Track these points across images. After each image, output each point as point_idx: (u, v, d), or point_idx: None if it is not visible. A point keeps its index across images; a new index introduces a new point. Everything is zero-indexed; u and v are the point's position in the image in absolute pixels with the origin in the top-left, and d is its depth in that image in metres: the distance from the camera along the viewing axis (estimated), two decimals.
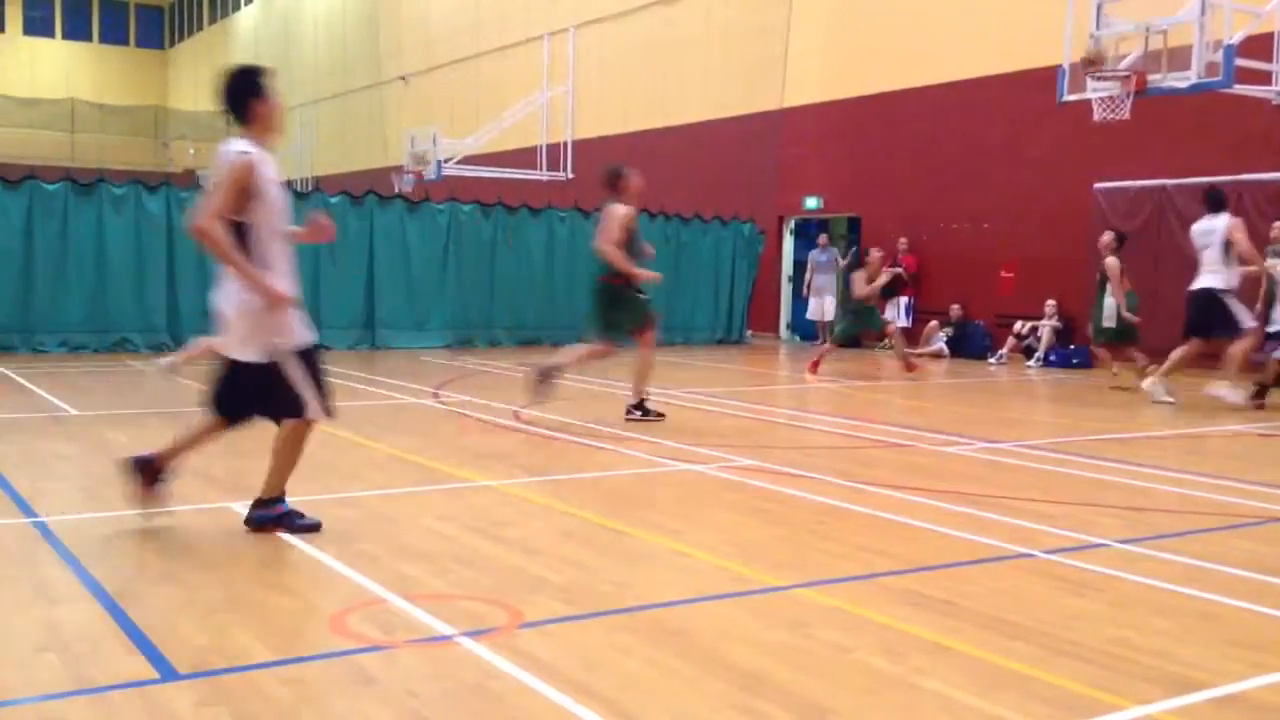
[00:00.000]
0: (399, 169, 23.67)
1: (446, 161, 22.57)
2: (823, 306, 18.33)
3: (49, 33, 45.54)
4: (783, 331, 20.68)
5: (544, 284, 17.58)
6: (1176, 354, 10.70)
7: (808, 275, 18.70)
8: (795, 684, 3.35)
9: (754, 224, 19.59)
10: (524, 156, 24.77)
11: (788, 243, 20.65)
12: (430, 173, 22.44)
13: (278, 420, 5.09)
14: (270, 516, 5.08)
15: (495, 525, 5.35)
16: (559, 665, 3.44)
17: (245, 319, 4.87)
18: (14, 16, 44.91)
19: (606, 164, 9.67)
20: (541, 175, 23.86)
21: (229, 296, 4.92)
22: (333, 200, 16.31)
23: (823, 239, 18.83)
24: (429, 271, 16.72)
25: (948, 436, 8.55)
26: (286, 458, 5.11)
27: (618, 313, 8.79)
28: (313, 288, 15.87)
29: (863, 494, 6.25)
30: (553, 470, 6.92)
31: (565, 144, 24.23)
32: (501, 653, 3.54)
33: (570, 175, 23.67)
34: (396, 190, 20.50)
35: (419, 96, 30.31)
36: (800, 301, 19.67)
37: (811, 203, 19.79)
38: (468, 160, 23.19)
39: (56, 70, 44.43)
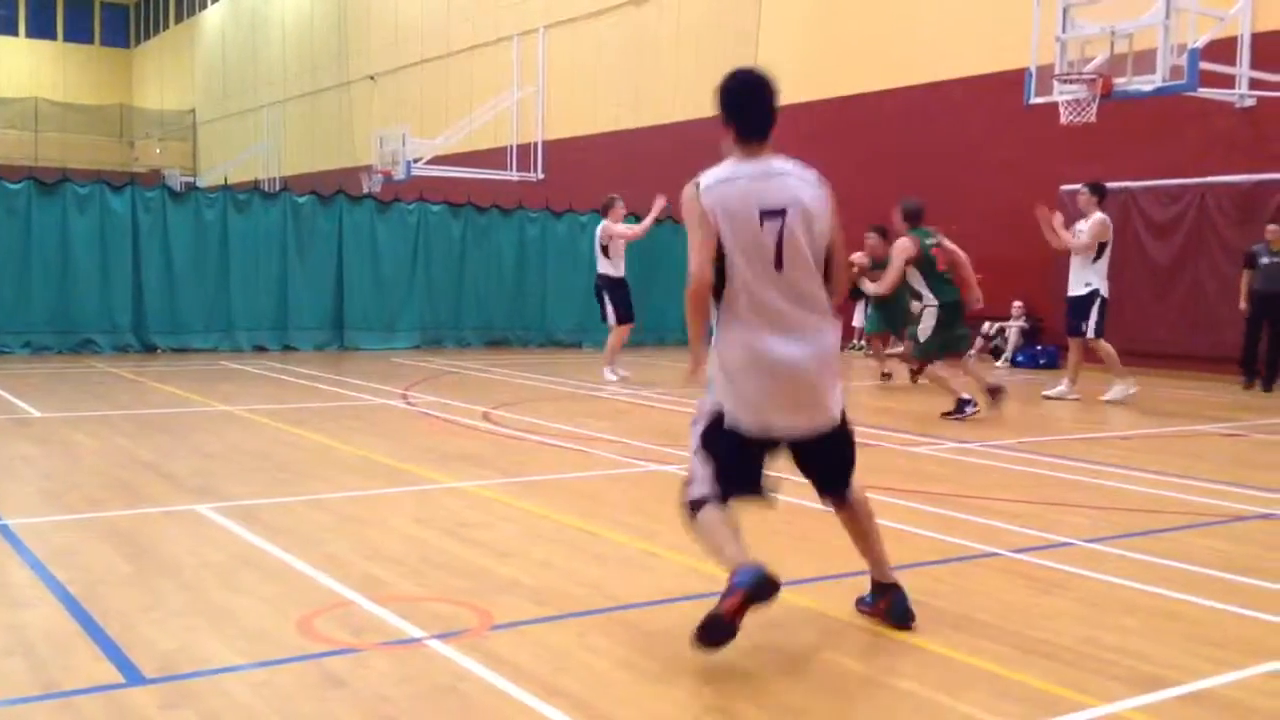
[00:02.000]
0: (368, 169, 23.54)
1: (416, 162, 22.46)
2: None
3: (13, 31, 44.96)
4: None
5: (514, 284, 17.53)
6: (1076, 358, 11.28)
7: None
8: (767, 684, 3.35)
9: None
10: (495, 157, 24.70)
11: None
12: (399, 173, 22.32)
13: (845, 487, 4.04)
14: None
15: (466, 527, 5.32)
16: (530, 667, 3.43)
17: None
18: None
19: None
20: (512, 175, 23.80)
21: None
22: (301, 200, 16.20)
23: None
24: (398, 272, 16.63)
25: (915, 436, 8.59)
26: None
27: None
28: (280, 288, 15.79)
29: None
30: (524, 472, 6.90)
31: (536, 144, 24.18)
32: (472, 655, 3.52)
33: (541, 175, 23.62)
34: (365, 190, 20.38)
35: (388, 96, 30.16)
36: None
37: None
38: (437, 160, 23.09)
39: (20, 68, 43.86)
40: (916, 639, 3.77)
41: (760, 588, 3.41)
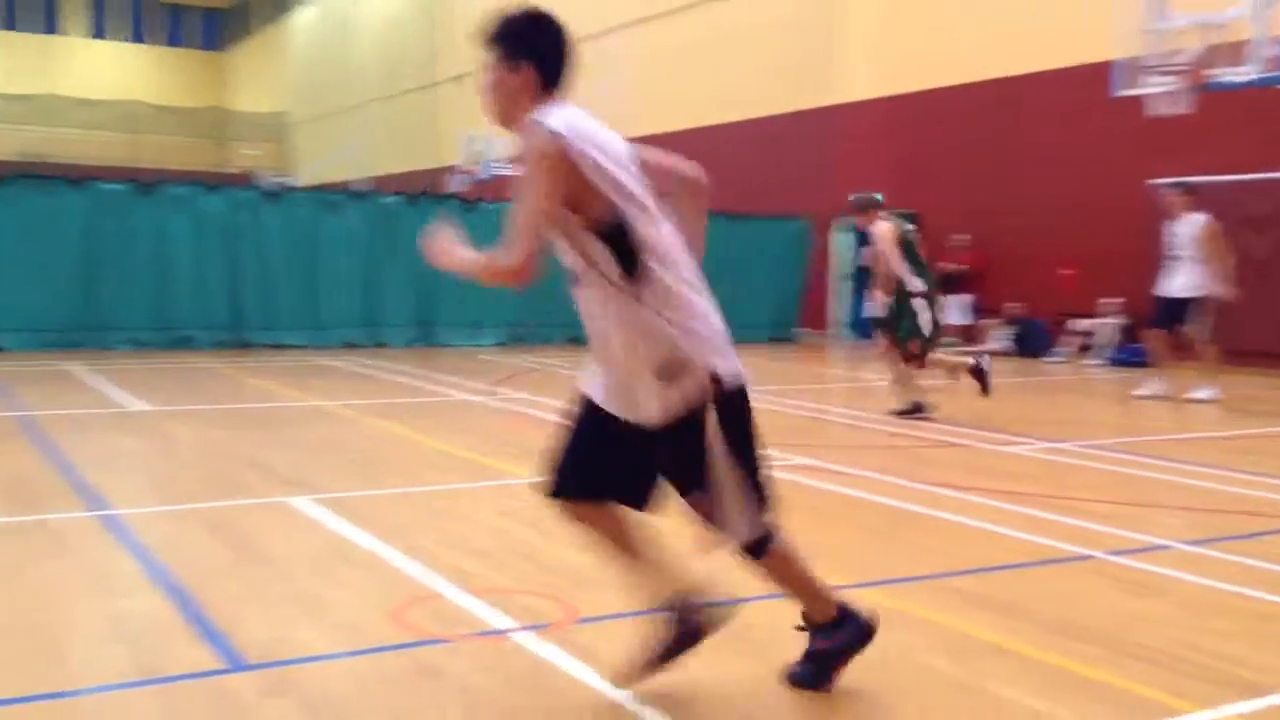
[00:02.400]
0: (453, 169, 23.85)
1: (500, 161, 22.70)
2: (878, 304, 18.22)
3: (111, 35, 46.44)
4: (836, 329, 20.56)
5: None
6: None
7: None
8: (855, 683, 3.33)
9: (805, 221, 19.50)
10: None
11: (840, 240, 20.53)
12: (483, 172, 22.58)
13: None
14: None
15: (550, 521, 5.36)
16: (615, 660, 3.45)
17: None
18: (77, 20, 45.87)
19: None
20: None
21: None
22: (388, 200, 16.49)
23: None
24: None
25: (1008, 436, 8.45)
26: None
27: None
28: (370, 286, 16.10)
29: (921, 494, 6.19)
30: None
31: None
32: (559, 647, 3.56)
33: None
34: (450, 190, 20.66)
35: (473, 96, 30.46)
36: (858, 299, 19.56)
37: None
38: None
39: (118, 73, 45.29)
40: (1010, 642, 3.72)
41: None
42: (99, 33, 46.14)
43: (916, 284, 9.20)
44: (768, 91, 21.24)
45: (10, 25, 44.12)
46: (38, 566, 4.47)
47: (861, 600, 4.18)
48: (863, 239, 9.46)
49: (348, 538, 4.98)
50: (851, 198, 9.63)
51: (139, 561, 4.53)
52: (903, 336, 9.31)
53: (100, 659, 3.45)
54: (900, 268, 9.20)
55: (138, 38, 46.97)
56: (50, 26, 45.11)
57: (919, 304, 9.21)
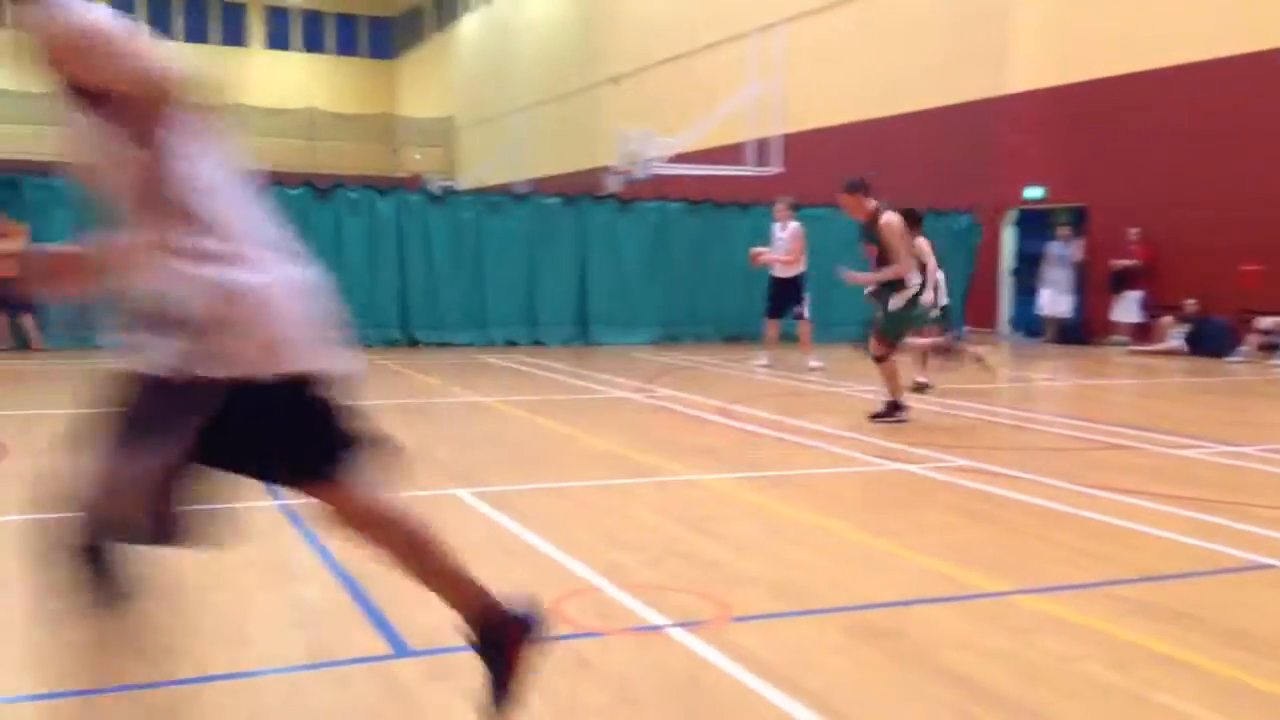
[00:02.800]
0: (610, 169, 24.13)
1: (656, 160, 22.86)
2: (1055, 301, 17.73)
3: (288, 46, 48.73)
4: (1003, 327, 19.96)
5: (752, 279, 17.55)
6: None
7: (1042, 268, 18.02)
8: (1014, 691, 3.26)
9: (972, 215, 18.99)
10: (733, 153, 24.80)
11: (1007, 235, 19.92)
12: (640, 172, 22.78)
13: None
14: None
15: (704, 519, 5.41)
16: (770, 660, 3.46)
17: None
18: (257, 31, 48.31)
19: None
20: (751, 171, 23.85)
21: None
22: (548, 201, 16.84)
23: (1064, 231, 18.07)
24: (638, 269, 17.01)
25: (1182, 439, 8.06)
26: None
27: None
28: (529, 286, 16.48)
29: (1088, 497, 5.97)
30: (762, 467, 6.94)
31: (775, 138, 24.14)
32: (713, 645, 3.59)
33: (781, 170, 23.56)
34: (608, 190, 20.93)
35: (630, 97, 30.82)
36: (1025, 296, 18.96)
37: (1033, 192, 19.01)
38: (678, 158, 23.42)
39: (296, 81, 47.46)
40: (1180, 652, 3.57)
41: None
42: (278, 44, 48.46)
43: (915, 279, 8.85)
44: (932, 83, 20.77)
45: (202, 38, 46.78)
46: (224, 552, 4.75)
47: (1022, 605, 4.08)
48: (868, 229, 8.76)
49: (507, 530, 5.12)
50: (852, 181, 9.03)
51: (314, 550, 4.77)
52: (887, 330, 8.78)
53: (279, 642, 3.66)
54: (907, 262, 8.77)
55: (314, 48, 49.13)
56: (234, 39, 47.64)
57: (908, 299, 8.79)
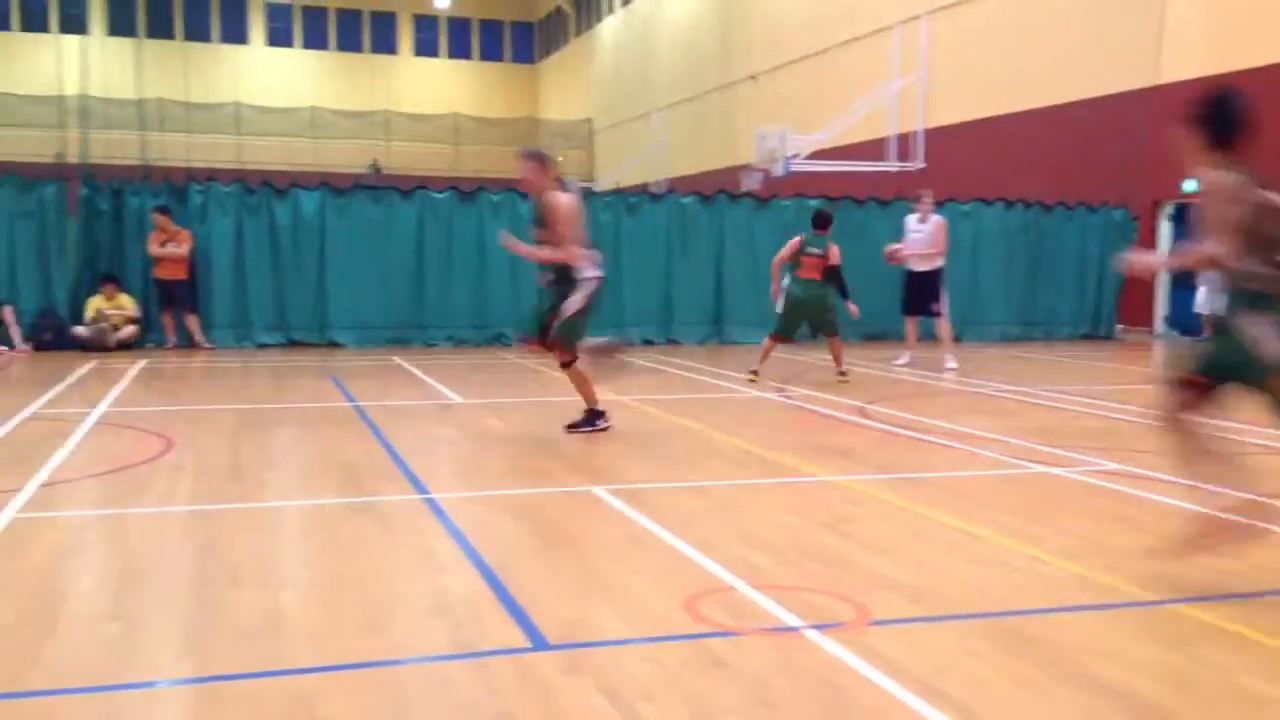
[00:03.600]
0: (747, 167, 24.06)
1: (793, 158, 22.70)
2: (1214, 299, 16.88)
3: (435, 53, 50.06)
4: (1158, 325, 19.14)
5: (890, 277, 17.23)
6: None
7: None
8: (1166, 702, 3.13)
9: (1125, 210, 18.26)
10: (872, 148, 24.44)
11: (1163, 230, 19.08)
12: (778, 170, 22.64)
13: None
14: None
15: (841, 521, 5.35)
16: (909, 665, 3.41)
17: None
18: (406, 39, 49.74)
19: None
20: (891, 166, 23.45)
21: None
22: (684, 201, 16.87)
23: None
24: None
25: None
26: None
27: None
28: (665, 285, 16.55)
29: (1248, 506, 5.67)
30: (900, 468, 6.82)
31: (916, 133, 23.68)
32: (849, 648, 3.55)
33: (922, 165, 23.10)
34: (744, 189, 20.86)
35: (768, 95, 30.66)
36: (1182, 293, 18.14)
37: (1192, 185, 18.16)
38: (816, 155, 23.19)
39: (441, 87, 48.72)
40: None
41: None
42: (425, 51, 49.83)
43: (591, 272, 8.12)
44: (1080, 74, 20.05)
45: (356, 47, 48.46)
46: (369, 543, 4.93)
47: (1175, 614, 3.91)
48: (537, 208, 7.93)
49: (645, 527, 5.16)
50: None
51: (456, 542, 4.90)
52: (565, 335, 8.00)
53: (422, 632, 3.77)
54: (573, 248, 7.94)
55: (459, 54, 50.34)
56: (386, 47, 49.17)
57: (587, 298, 8.11)
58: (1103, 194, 18.35)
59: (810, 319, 11.57)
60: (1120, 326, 18.66)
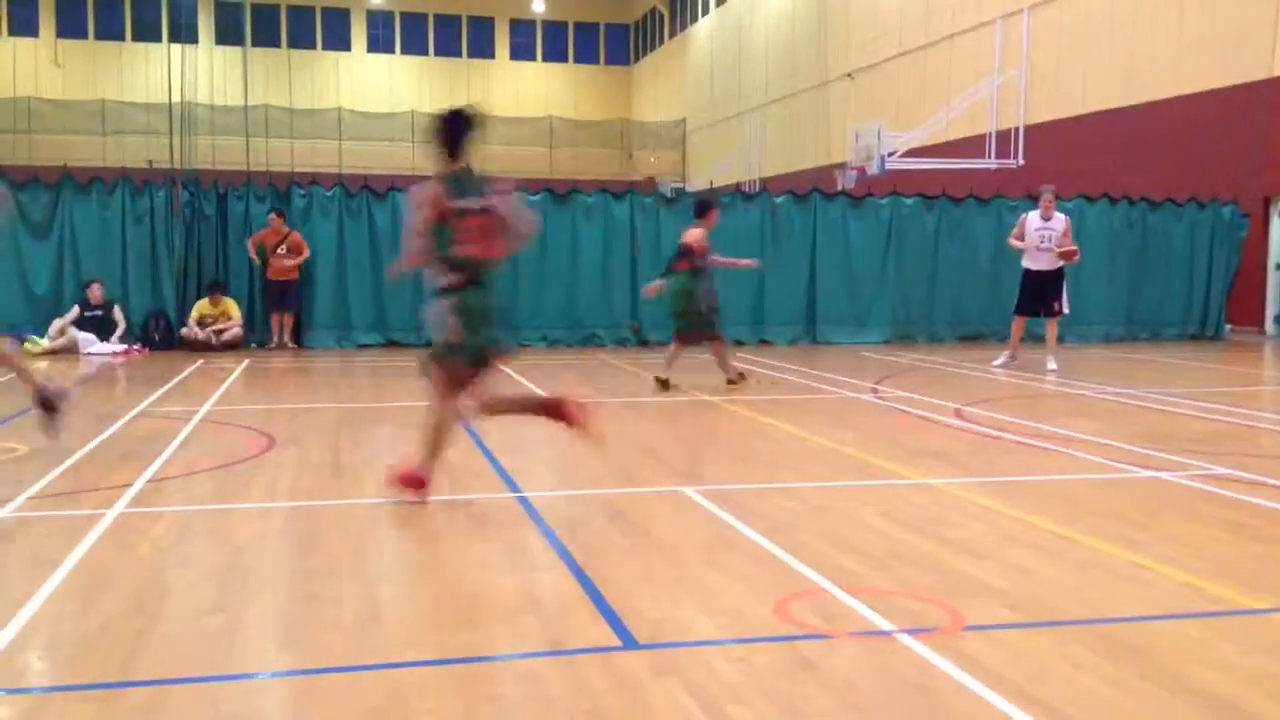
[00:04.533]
0: (842, 166, 23.82)
1: (890, 155, 22.40)
2: None
3: (531, 56, 50.57)
4: (1269, 326, 18.43)
5: (990, 277, 16.90)
6: None
7: None
8: (1275, 713, 3.01)
9: (1236, 206, 17.62)
10: (971, 145, 23.99)
11: (1275, 226, 18.37)
12: (874, 167, 22.38)
13: None
14: None
15: (935, 524, 5.26)
16: (1004, 672, 3.34)
17: None
18: (503, 44, 50.35)
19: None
20: (990, 163, 22.99)
21: None
22: (778, 200, 16.77)
23: None
24: (869, 267, 16.70)
25: None
26: None
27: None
28: (757, 285, 16.45)
29: None
30: (996, 471, 6.68)
31: (1017, 130, 23.18)
32: (943, 653, 3.49)
33: (1021, 162, 22.61)
34: (839, 187, 20.66)
35: (864, 92, 30.31)
36: None
37: None
38: (912, 153, 22.86)
39: (537, 90, 49.22)
40: None
41: None
42: (521, 55, 50.38)
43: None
44: (1186, 68, 19.42)
45: (454, 52, 49.24)
46: (465, 541, 5.00)
47: None
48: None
49: (735, 528, 5.15)
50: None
51: (548, 540, 4.95)
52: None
53: (514, 629, 3.81)
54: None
55: (554, 58, 50.79)
56: (483, 52, 49.84)
57: None
58: (1212, 190, 17.74)
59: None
60: (1229, 326, 18.01)
